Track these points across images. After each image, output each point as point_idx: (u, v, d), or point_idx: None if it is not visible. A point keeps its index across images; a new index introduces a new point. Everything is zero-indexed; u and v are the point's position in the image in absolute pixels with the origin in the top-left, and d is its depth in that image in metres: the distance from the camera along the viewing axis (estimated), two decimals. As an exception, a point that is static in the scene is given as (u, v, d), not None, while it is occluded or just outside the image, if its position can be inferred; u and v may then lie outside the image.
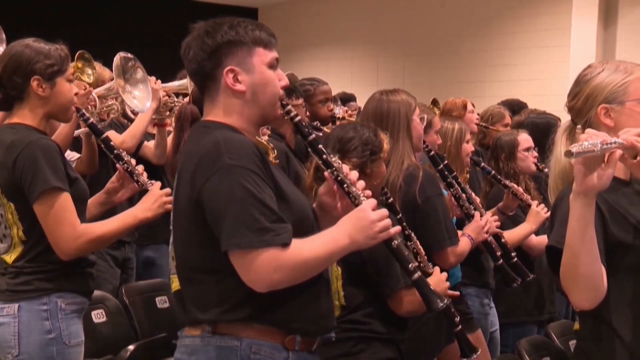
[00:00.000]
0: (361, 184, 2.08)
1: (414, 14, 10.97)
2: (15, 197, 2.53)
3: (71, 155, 3.79)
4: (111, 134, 3.82)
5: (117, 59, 3.74)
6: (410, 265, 2.17)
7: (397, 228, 2.01)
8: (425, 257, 2.86)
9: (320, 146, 2.09)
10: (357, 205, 2.01)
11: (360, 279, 2.67)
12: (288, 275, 1.85)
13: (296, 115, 2.09)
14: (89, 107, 3.63)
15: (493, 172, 3.90)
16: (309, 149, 2.12)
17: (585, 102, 2.08)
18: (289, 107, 2.07)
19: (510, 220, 3.81)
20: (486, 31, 10.33)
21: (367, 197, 2.04)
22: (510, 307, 3.88)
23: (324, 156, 2.08)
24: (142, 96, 3.71)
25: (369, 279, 2.67)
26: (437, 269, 2.81)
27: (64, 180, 2.52)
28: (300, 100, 4.14)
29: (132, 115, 4.11)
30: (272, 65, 2.02)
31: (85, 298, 2.67)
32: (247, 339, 1.92)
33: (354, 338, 2.66)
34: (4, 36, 3.85)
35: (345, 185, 2.05)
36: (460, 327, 2.89)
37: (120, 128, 4.16)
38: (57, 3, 10.43)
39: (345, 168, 2.09)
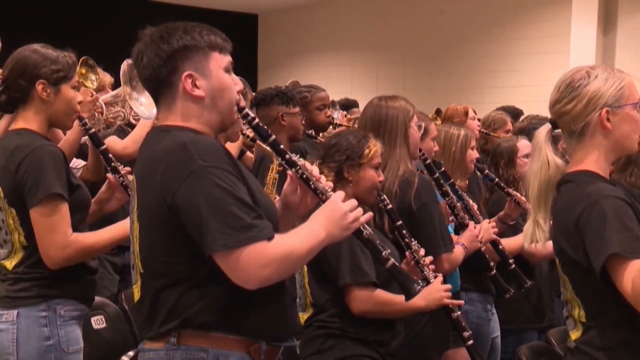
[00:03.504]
0: (324, 179, 2.08)
1: (414, 21, 10.98)
2: (17, 203, 2.53)
3: (77, 163, 3.79)
4: (113, 139, 3.82)
5: (124, 66, 3.75)
6: (383, 253, 2.20)
7: (369, 215, 2.02)
8: (432, 265, 2.87)
9: (282, 146, 2.08)
10: (324, 200, 2.01)
11: (321, 277, 2.71)
12: (277, 269, 1.83)
13: (254, 118, 2.06)
14: (96, 114, 3.64)
15: (496, 179, 3.90)
16: (272, 150, 2.11)
17: (587, 106, 2.07)
18: (247, 110, 2.05)
19: (510, 229, 3.81)
20: (485, 37, 10.34)
21: (331, 189, 2.05)
22: (511, 313, 3.87)
23: (287, 156, 2.06)
24: (148, 103, 3.70)
25: (325, 275, 2.70)
26: (439, 277, 2.82)
27: (65, 189, 2.52)
28: (297, 109, 4.15)
29: (134, 122, 4.11)
30: (228, 70, 2.00)
31: (84, 305, 2.67)
32: (213, 349, 1.90)
33: (323, 335, 2.71)
34: None
35: (311, 182, 2.04)
36: (472, 341, 2.91)
37: (123, 134, 4.16)
38: (55, 8, 10.44)
39: (308, 165, 2.08)
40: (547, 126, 2.17)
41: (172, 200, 1.84)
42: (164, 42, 1.94)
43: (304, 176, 2.05)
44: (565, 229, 2.05)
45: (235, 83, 2.02)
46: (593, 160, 2.10)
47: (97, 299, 2.94)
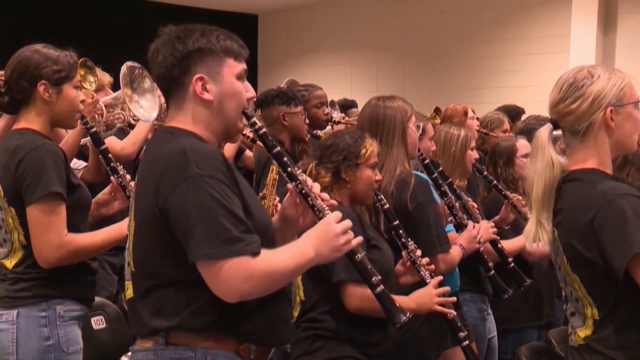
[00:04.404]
0: (326, 196, 2.07)
1: (414, 21, 10.99)
2: (16, 202, 2.53)
3: (78, 164, 3.79)
4: (112, 139, 3.82)
5: (123, 69, 3.74)
6: (373, 279, 2.17)
7: (359, 239, 2.00)
8: (432, 266, 2.87)
9: (285, 159, 2.07)
10: (321, 218, 1.99)
11: (315, 274, 2.69)
12: (258, 285, 1.83)
13: (261, 127, 2.06)
14: (96, 116, 3.64)
15: (495, 182, 3.89)
16: (274, 161, 2.10)
17: (591, 105, 2.09)
18: (254, 119, 2.05)
19: (511, 228, 3.81)
20: (486, 38, 10.34)
21: (332, 207, 2.03)
22: (510, 312, 3.86)
23: (289, 169, 2.05)
24: (149, 106, 3.70)
25: (321, 273, 2.69)
26: (433, 281, 2.81)
27: (65, 189, 2.52)
28: (300, 108, 4.15)
29: (133, 122, 4.11)
30: (241, 77, 1.99)
31: (84, 305, 2.67)
32: (201, 349, 1.90)
33: (311, 337, 2.70)
34: None
35: (309, 199, 2.03)
36: (467, 342, 2.90)
37: (123, 134, 4.16)
38: (55, 8, 10.44)
39: (309, 181, 2.07)
40: (549, 126, 2.17)
41: (164, 203, 1.84)
42: (179, 42, 1.94)
43: (303, 191, 2.03)
44: (577, 227, 2.05)
45: (247, 90, 2.01)
46: (597, 158, 2.12)
47: (97, 299, 2.93)
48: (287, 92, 4.23)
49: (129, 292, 1.99)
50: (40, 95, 2.59)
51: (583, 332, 2.10)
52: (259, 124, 2.06)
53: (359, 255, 2.07)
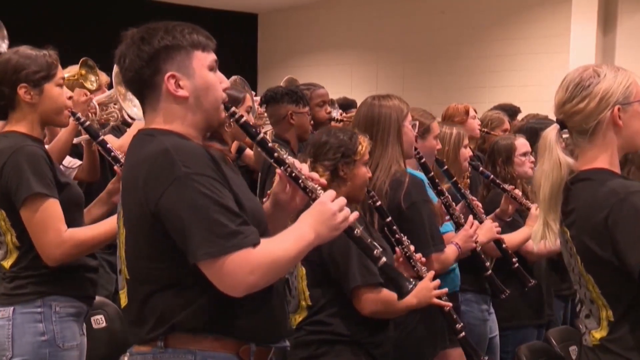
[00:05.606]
0: (315, 175, 2.04)
1: (414, 21, 10.99)
2: (5, 205, 2.55)
3: (73, 163, 3.79)
4: (109, 138, 3.82)
5: (116, 67, 3.74)
6: (375, 252, 2.16)
7: (356, 214, 1.99)
8: (424, 259, 2.87)
9: (270, 145, 2.04)
10: (314, 199, 1.97)
11: (324, 278, 2.69)
12: (263, 275, 1.81)
13: (241, 117, 2.03)
14: (90, 114, 3.64)
15: (492, 176, 3.89)
16: (259, 149, 2.06)
17: (599, 104, 2.09)
18: (233, 109, 2.01)
19: (507, 226, 3.81)
20: (486, 37, 10.34)
21: (323, 186, 2.01)
22: (510, 311, 3.86)
23: (275, 154, 2.01)
24: (142, 105, 3.71)
25: (331, 277, 2.68)
26: (429, 274, 2.81)
27: (49, 186, 2.52)
28: (307, 109, 4.15)
29: (130, 120, 4.11)
30: (212, 68, 1.96)
31: (82, 303, 2.67)
32: (200, 351, 1.88)
33: (317, 341, 2.69)
34: (5, 32, 3.86)
35: (300, 181, 2.00)
36: (463, 333, 2.90)
37: (120, 133, 4.16)
38: (54, 7, 10.44)
39: (297, 163, 2.05)
40: (556, 127, 2.16)
41: (156, 207, 1.81)
42: (145, 43, 1.91)
43: (293, 174, 2.01)
44: (590, 227, 2.04)
45: (220, 81, 1.98)
46: (606, 157, 2.11)
47: (97, 298, 2.94)
48: (296, 91, 4.23)
49: (123, 301, 1.97)
50: (22, 99, 2.60)
51: (598, 334, 2.09)
52: (239, 113, 2.03)
53: (358, 231, 2.05)
